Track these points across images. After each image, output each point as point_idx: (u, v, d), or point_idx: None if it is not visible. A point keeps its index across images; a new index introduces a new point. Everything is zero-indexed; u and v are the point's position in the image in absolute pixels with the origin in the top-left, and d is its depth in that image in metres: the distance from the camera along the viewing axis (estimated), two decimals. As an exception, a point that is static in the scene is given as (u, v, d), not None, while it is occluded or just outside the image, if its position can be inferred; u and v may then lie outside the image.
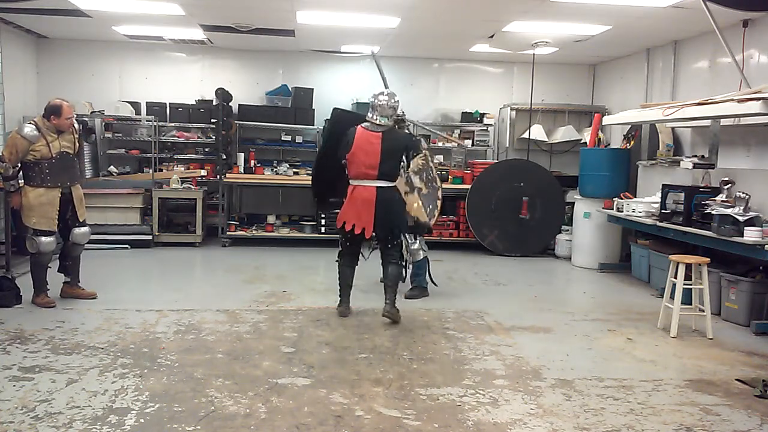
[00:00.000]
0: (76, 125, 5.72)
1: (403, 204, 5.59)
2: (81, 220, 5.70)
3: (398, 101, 5.44)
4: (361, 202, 5.25)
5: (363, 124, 5.38)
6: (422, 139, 5.97)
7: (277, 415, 3.48)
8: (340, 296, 5.54)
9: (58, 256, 5.84)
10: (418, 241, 6.15)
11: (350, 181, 5.37)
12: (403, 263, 5.92)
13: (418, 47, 9.04)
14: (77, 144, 5.71)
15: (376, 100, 5.38)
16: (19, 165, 5.41)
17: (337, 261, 5.58)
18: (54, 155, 5.43)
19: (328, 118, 5.94)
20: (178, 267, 7.60)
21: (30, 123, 5.46)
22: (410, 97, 8.98)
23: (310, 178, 8.66)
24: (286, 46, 9.21)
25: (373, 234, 5.30)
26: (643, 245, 7.45)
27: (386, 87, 5.98)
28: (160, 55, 9.55)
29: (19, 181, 5.47)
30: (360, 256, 5.64)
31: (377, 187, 5.26)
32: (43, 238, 5.46)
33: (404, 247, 5.92)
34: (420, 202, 5.76)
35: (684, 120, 6.28)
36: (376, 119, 5.34)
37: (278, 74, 9.75)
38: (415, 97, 9.58)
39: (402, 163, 5.52)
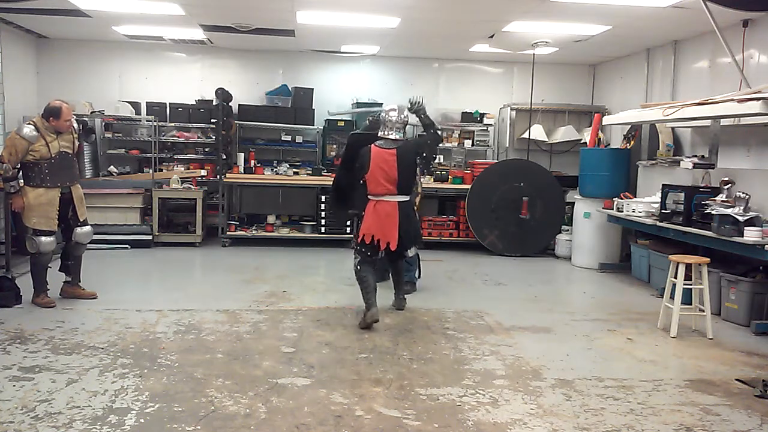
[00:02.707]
0: (75, 125, 5.72)
1: (416, 216, 5.70)
2: (82, 220, 5.71)
3: (408, 116, 5.50)
4: (385, 216, 5.31)
5: (377, 143, 5.42)
6: (438, 132, 5.66)
7: (277, 415, 3.48)
8: (366, 302, 5.24)
9: (59, 255, 5.85)
10: None
11: (370, 197, 5.39)
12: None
13: (418, 47, 9.04)
14: (76, 144, 5.72)
15: (386, 116, 5.45)
16: (19, 166, 5.41)
17: (356, 269, 5.40)
18: (53, 155, 5.43)
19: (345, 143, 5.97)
20: (178, 267, 7.60)
21: (29, 123, 5.46)
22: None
23: (311, 179, 8.88)
24: (286, 46, 9.20)
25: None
26: (643, 245, 7.45)
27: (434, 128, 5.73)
28: (160, 55, 9.54)
29: (19, 182, 5.47)
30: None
31: (399, 202, 5.35)
32: (43, 238, 5.46)
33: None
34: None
35: (684, 120, 6.28)
36: (389, 135, 5.41)
37: (278, 74, 9.75)
38: (415, 97, 9.59)
39: (420, 160, 5.52)
